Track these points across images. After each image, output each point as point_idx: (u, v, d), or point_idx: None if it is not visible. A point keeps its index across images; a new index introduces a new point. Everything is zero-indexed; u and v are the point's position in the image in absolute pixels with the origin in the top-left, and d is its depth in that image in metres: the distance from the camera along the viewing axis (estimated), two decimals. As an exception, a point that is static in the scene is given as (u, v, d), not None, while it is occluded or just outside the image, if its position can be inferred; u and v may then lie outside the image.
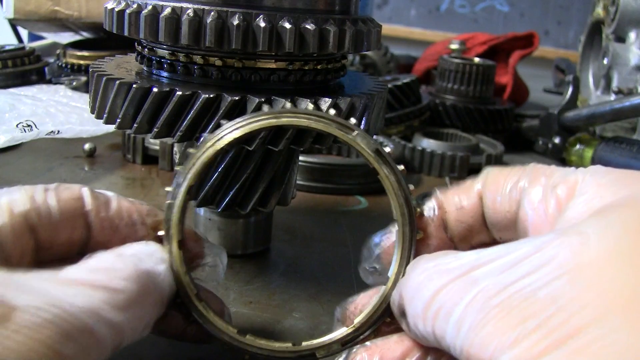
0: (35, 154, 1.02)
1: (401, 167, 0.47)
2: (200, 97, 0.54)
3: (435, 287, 0.37)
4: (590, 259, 0.32)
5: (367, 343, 0.44)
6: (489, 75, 1.31)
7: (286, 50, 0.54)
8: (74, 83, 1.23)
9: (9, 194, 0.43)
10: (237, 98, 0.53)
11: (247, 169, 0.62)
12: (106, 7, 0.59)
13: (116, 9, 0.57)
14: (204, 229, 0.70)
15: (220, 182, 0.63)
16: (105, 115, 0.58)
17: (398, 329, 0.44)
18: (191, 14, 0.53)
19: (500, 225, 0.45)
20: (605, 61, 1.23)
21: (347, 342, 0.46)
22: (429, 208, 0.47)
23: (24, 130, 0.93)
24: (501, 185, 0.44)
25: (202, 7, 0.53)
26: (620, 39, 1.21)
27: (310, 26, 0.54)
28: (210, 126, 0.54)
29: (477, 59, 1.35)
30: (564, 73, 1.91)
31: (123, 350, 0.40)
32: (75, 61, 1.30)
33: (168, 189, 0.47)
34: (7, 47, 1.27)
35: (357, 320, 0.46)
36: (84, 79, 1.24)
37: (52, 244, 0.44)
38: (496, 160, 1.13)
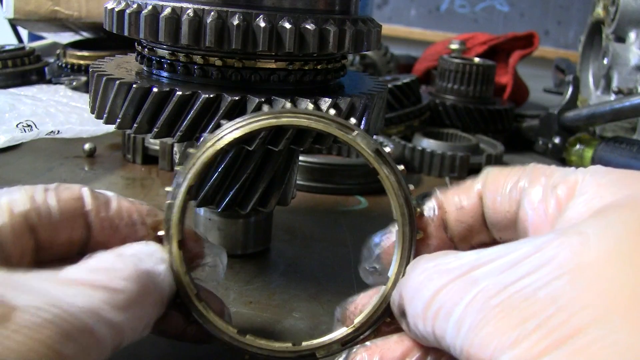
0: (35, 154, 1.02)
1: (401, 167, 0.47)
2: (200, 97, 0.54)
3: (435, 287, 0.37)
4: (591, 259, 0.32)
5: (367, 343, 0.44)
6: (489, 75, 1.31)
7: (286, 50, 0.54)
8: (74, 83, 1.23)
9: (9, 194, 0.43)
10: (237, 98, 0.53)
11: (247, 169, 0.62)
12: (106, 7, 0.59)
13: (116, 9, 0.57)
14: (204, 229, 0.70)
15: (220, 182, 0.63)
16: (105, 115, 0.58)
17: (398, 329, 0.44)
18: (191, 14, 0.53)
19: (500, 225, 0.45)
20: (605, 61, 1.23)
21: (347, 342, 0.46)
22: (429, 208, 0.47)
23: (24, 130, 0.93)
24: (501, 185, 0.45)
25: (202, 7, 0.53)
26: (620, 39, 1.21)
27: (310, 26, 0.54)
28: (210, 126, 0.54)
29: (477, 59, 1.35)
30: (564, 73, 1.91)
31: (123, 350, 0.40)
32: (75, 61, 1.30)
33: (168, 188, 0.47)
34: (7, 47, 1.27)
35: (357, 320, 0.46)
36: (84, 79, 1.24)
37: (52, 244, 0.44)
38: (496, 160, 1.13)
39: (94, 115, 0.60)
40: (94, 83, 0.60)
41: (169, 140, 0.57)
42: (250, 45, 0.54)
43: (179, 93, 0.54)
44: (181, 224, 0.46)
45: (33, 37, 1.76)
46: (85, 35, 1.40)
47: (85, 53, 1.30)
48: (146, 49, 0.61)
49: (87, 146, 1.03)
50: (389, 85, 1.15)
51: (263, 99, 0.53)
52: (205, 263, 0.49)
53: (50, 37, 1.57)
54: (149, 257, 0.43)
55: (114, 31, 0.58)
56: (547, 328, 0.30)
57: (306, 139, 0.55)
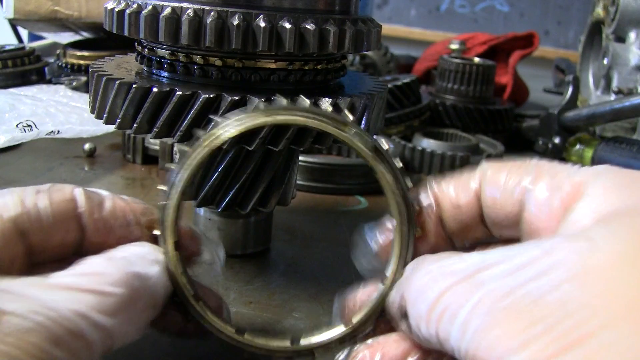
0: (35, 154, 1.02)
1: (399, 164, 0.46)
2: (200, 97, 0.54)
3: (439, 289, 0.36)
4: (600, 265, 0.32)
5: (369, 341, 0.44)
6: (489, 75, 1.31)
7: (286, 50, 0.54)
8: (74, 83, 1.23)
9: None
10: (237, 98, 0.53)
11: (247, 169, 0.62)
12: (106, 7, 0.59)
13: (116, 9, 0.57)
14: (204, 229, 0.70)
15: (220, 182, 0.63)
16: (105, 115, 0.58)
17: None
18: (191, 14, 0.53)
19: (501, 224, 0.45)
20: (605, 61, 1.23)
21: (345, 341, 0.47)
22: (426, 204, 0.46)
23: (24, 130, 0.93)
24: (502, 184, 0.44)
25: (202, 7, 0.53)
26: (620, 39, 1.21)
27: (310, 26, 0.54)
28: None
29: (477, 59, 1.35)
30: (564, 73, 1.90)
31: (123, 350, 0.40)
32: (75, 61, 1.30)
33: (162, 187, 0.46)
34: (7, 47, 1.27)
35: (355, 319, 0.46)
36: (84, 79, 1.24)
37: (44, 248, 0.44)
38: (496, 160, 1.13)
39: (94, 115, 0.60)
40: (94, 83, 0.60)
41: (169, 140, 0.57)
42: (250, 45, 0.54)
43: (179, 93, 0.54)
44: (176, 225, 0.45)
45: (33, 37, 1.76)
46: (85, 35, 1.40)
47: (85, 53, 1.30)
48: (146, 49, 0.61)
49: (87, 146, 1.03)
50: (389, 85, 1.15)
51: (263, 99, 0.53)
52: (203, 260, 0.49)
53: (50, 37, 1.57)
54: (140, 259, 0.42)
55: (114, 31, 0.58)
56: (557, 332, 0.30)
57: (306, 138, 0.55)
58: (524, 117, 1.43)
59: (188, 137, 0.55)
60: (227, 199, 0.64)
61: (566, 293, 0.31)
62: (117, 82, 0.56)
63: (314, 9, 0.57)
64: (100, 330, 0.37)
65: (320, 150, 1.03)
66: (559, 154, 1.20)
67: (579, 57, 1.44)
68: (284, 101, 0.46)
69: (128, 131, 0.62)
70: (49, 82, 1.28)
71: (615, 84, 1.19)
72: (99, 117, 0.59)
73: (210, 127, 0.45)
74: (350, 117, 0.46)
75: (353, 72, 0.73)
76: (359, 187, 0.97)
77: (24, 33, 1.68)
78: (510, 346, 0.31)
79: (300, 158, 0.93)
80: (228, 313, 0.50)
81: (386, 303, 0.45)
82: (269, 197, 0.65)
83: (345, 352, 0.45)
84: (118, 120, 0.57)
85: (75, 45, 1.36)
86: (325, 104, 0.48)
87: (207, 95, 0.54)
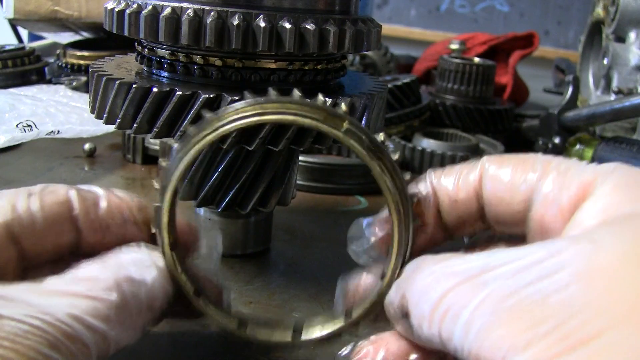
0: (35, 154, 1.02)
1: (395, 156, 0.44)
2: (200, 97, 0.54)
3: (443, 289, 0.36)
4: (605, 267, 0.32)
5: (372, 337, 0.44)
6: (489, 75, 1.31)
7: (286, 50, 0.54)
8: (74, 83, 1.23)
9: None
10: (237, 98, 0.53)
11: (247, 169, 0.62)
12: (106, 7, 0.59)
13: (116, 9, 0.57)
14: (204, 229, 0.70)
15: (220, 182, 0.63)
16: (105, 115, 0.58)
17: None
18: (191, 14, 0.53)
19: (506, 222, 0.44)
20: (605, 61, 1.23)
21: (345, 334, 0.47)
22: (424, 194, 0.45)
23: (24, 130, 0.93)
24: (507, 182, 0.43)
25: (202, 7, 0.53)
26: (620, 39, 1.21)
27: (310, 26, 0.54)
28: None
29: (477, 59, 1.35)
30: (564, 73, 1.90)
31: (123, 351, 0.40)
32: (75, 61, 1.30)
33: (156, 186, 0.45)
34: (7, 47, 1.27)
35: (355, 314, 0.46)
36: (84, 79, 1.24)
37: (38, 251, 0.43)
38: (496, 160, 1.13)
39: (94, 115, 0.60)
40: (94, 83, 0.60)
41: (169, 140, 0.57)
42: (250, 45, 0.54)
43: (179, 93, 0.54)
44: (171, 226, 0.45)
45: (33, 37, 1.76)
46: (85, 35, 1.40)
47: (85, 53, 1.30)
48: (146, 49, 0.61)
49: (87, 146, 1.03)
50: (389, 85, 1.15)
51: (263, 99, 0.53)
52: (202, 254, 0.49)
53: (50, 37, 1.57)
54: (135, 264, 0.42)
55: (114, 31, 0.58)
56: (561, 332, 0.30)
57: (306, 138, 0.55)
58: (524, 117, 1.43)
59: (188, 137, 0.55)
60: (227, 199, 0.64)
61: (570, 294, 0.31)
62: (117, 82, 0.56)
63: (314, 9, 0.57)
64: (96, 334, 0.37)
65: (320, 150, 1.03)
66: (559, 154, 1.20)
67: (579, 57, 1.44)
68: (271, 92, 0.44)
69: (128, 131, 0.62)
70: (49, 82, 1.28)
71: (615, 84, 1.19)
72: (99, 117, 0.59)
73: (201, 124, 0.44)
74: (344, 107, 0.44)
75: (353, 72, 0.73)
76: (359, 187, 0.97)
77: (24, 33, 1.68)
78: (514, 346, 0.31)
79: (300, 158, 0.93)
80: (228, 303, 0.50)
81: (385, 302, 0.44)
82: (269, 197, 0.65)
83: (349, 347, 0.45)
84: (118, 120, 0.57)
85: (75, 45, 1.36)
86: (320, 98, 0.46)
87: (207, 95, 0.54)
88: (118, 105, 0.57)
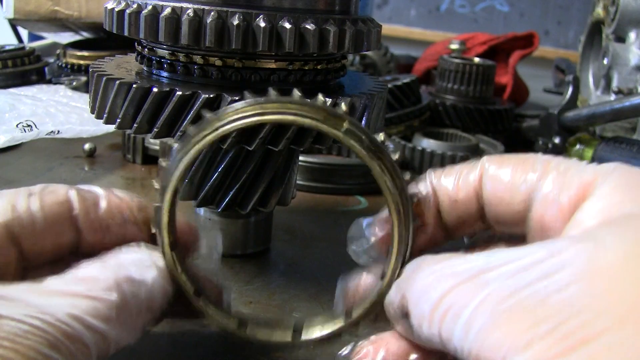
0: (35, 154, 1.02)
1: (395, 156, 0.44)
2: (200, 97, 0.54)
3: (443, 289, 0.36)
4: (606, 267, 0.32)
5: (372, 337, 0.44)
6: (489, 75, 1.31)
7: (286, 50, 0.54)
8: (74, 83, 1.23)
9: None
10: (237, 98, 0.53)
11: (247, 169, 0.62)
12: (106, 7, 0.59)
13: (116, 9, 0.57)
14: (204, 229, 0.70)
15: (220, 182, 0.63)
16: (105, 115, 0.58)
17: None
18: (191, 14, 0.53)
19: (506, 222, 0.44)
20: (605, 61, 1.23)
21: (344, 334, 0.47)
22: (424, 194, 0.45)
23: (24, 130, 0.93)
24: (507, 182, 0.43)
25: (202, 7, 0.53)
26: (620, 39, 1.21)
27: (310, 26, 0.54)
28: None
29: (477, 59, 1.35)
30: (564, 73, 1.90)
31: (123, 351, 0.40)
32: (75, 61, 1.30)
33: (156, 186, 0.45)
34: (7, 47, 1.27)
35: (355, 314, 0.46)
36: (84, 79, 1.24)
37: (38, 252, 0.43)
38: (496, 160, 1.13)
39: (94, 115, 0.60)
40: (94, 83, 0.60)
41: (169, 140, 0.57)
42: (250, 45, 0.54)
43: (179, 93, 0.54)
44: (171, 226, 0.45)
45: (33, 37, 1.76)
46: (85, 35, 1.40)
47: (85, 53, 1.30)
48: (146, 49, 0.61)
49: (87, 146, 1.03)
50: (389, 85, 1.15)
51: (263, 99, 0.53)
52: (202, 253, 0.49)
53: (50, 37, 1.57)
54: (136, 264, 0.42)
55: (114, 31, 0.58)
56: (562, 332, 0.30)
57: (306, 138, 0.55)
58: (524, 117, 1.43)
59: (188, 137, 0.55)
60: (227, 199, 0.64)
61: (571, 294, 0.31)
62: (117, 82, 0.56)
63: (314, 9, 0.57)
64: (96, 334, 0.37)
65: (320, 150, 1.03)
66: (559, 154, 1.20)
67: (579, 57, 1.44)
68: (271, 92, 0.43)
69: (128, 131, 0.62)
70: (49, 82, 1.28)
71: (615, 84, 1.19)
72: (99, 117, 0.59)
73: (201, 124, 0.44)
74: (344, 107, 0.43)
75: (353, 72, 0.73)
76: (359, 187, 0.97)
77: (24, 33, 1.68)
78: (514, 346, 0.31)
79: (300, 158, 0.93)
80: (229, 303, 0.50)
81: (384, 302, 0.44)
82: (269, 197, 0.65)
83: (349, 347, 0.45)
84: (118, 120, 0.57)
85: (75, 45, 1.36)
86: (320, 98, 0.45)
87: (207, 95, 0.54)
88: (118, 105, 0.57)
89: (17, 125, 0.93)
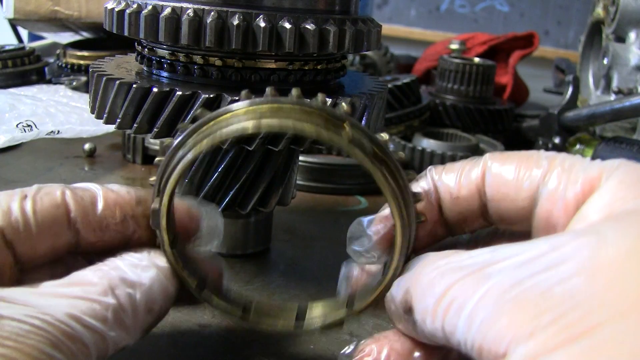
0: (35, 154, 1.02)
1: (399, 156, 0.43)
2: (200, 97, 0.54)
3: (447, 283, 0.36)
4: (609, 259, 0.32)
5: (375, 335, 0.44)
6: (489, 75, 1.31)
7: (286, 50, 0.54)
8: (74, 83, 1.23)
9: None
10: (237, 98, 0.53)
11: (247, 169, 0.62)
12: (106, 7, 0.59)
13: (116, 9, 0.57)
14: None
15: (220, 182, 0.63)
16: (105, 115, 0.58)
17: None
18: (191, 14, 0.53)
19: (510, 219, 0.44)
20: (605, 61, 1.23)
21: (344, 322, 0.48)
22: (425, 191, 0.45)
23: (24, 130, 0.93)
24: (511, 179, 0.43)
25: (202, 7, 0.53)
26: (620, 39, 1.21)
27: (310, 26, 0.54)
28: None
29: (477, 59, 1.35)
30: (564, 73, 1.90)
31: (123, 350, 0.40)
32: (75, 61, 1.30)
33: (152, 180, 0.45)
34: (7, 47, 1.27)
35: (357, 306, 0.47)
36: (84, 79, 1.24)
37: (33, 255, 0.43)
38: (496, 160, 1.13)
39: (94, 115, 0.60)
40: (94, 83, 0.60)
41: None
42: (250, 45, 0.54)
43: (179, 93, 0.54)
44: (170, 226, 0.45)
45: (33, 37, 1.76)
46: (85, 35, 1.40)
47: (85, 53, 1.30)
48: (146, 49, 0.61)
49: (87, 146, 1.03)
50: (389, 85, 1.15)
51: (259, 101, 0.53)
52: (201, 239, 0.48)
53: (50, 37, 1.57)
54: (132, 266, 0.42)
55: (114, 31, 0.58)
56: (564, 322, 0.30)
57: (306, 139, 0.55)
58: (524, 117, 1.43)
59: (188, 137, 0.55)
60: (227, 199, 0.64)
61: (574, 285, 0.31)
62: (117, 82, 0.56)
63: (314, 9, 0.57)
64: (95, 334, 0.37)
65: (320, 150, 1.03)
66: (559, 154, 1.20)
67: (579, 57, 1.44)
68: (268, 92, 0.41)
69: (128, 131, 0.62)
70: (49, 82, 1.28)
71: (615, 84, 1.19)
72: (99, 117, 0.59)
73: (196, 127, 0.43)
74: (344, 106, 0.41)
75: (353, 72, 0.73)
76: (359, 187, 0.97)
77: (24, 33, 1.68)
78: (517, 336, 0.31)
79: (300, 158, 0.93)
80: (228, 288, 0.50)
81: (385, 299, 0.44)
82: (269, 197, 0.65)
83: (352, 346, 0.45)
84: (118, 120, 0.57)
85: (75, 45, 1.36)
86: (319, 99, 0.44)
87: (207, 95, 0.54)
88: (118, 105, 0.57)
89: (17, 125, 0.93)
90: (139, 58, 0.62)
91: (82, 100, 1.13)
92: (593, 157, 1.12)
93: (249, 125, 0.40)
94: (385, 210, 0.46)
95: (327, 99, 0.56)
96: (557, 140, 1.21)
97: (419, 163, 1.09)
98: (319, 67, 0.60)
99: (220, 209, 0.64)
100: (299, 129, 0.40)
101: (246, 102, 0.41)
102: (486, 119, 1.28)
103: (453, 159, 1.07)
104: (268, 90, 0.42)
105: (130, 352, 0.42)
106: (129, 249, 0.45)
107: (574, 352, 0.29)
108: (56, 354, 0.33)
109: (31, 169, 0.96)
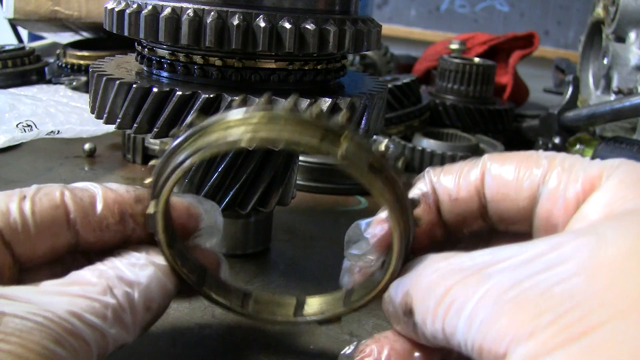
0: (35, 154, 1.02)
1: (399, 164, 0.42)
2: (200, 97, 0.54)
3: (447, 285, 0.36)
4: (609, 259, 0.32)
5: (375, 335, 0.44)
6: (489, 75, 1.31)
7: (286, 50, 0.54)
8: (74, 83, 1.23)
9: None
10: (236, 98, 0.53)
11: (247, 169, 0.62)
12: (106, 7, 0.59)
13: (116, 9, 0.57)
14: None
15: (220, 181, 0.63)
16: (105, 115, 0.58)
17: None
18: (191, 14, 0.53)
19: (510, 219, 0.44)
20: (605, 61, 1.23)
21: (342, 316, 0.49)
22: (423, 193, 0.45)
23: (24, 130, 0.93)
24: (511, 179, 0.43)
25: (202, 7, 0.53)
26: (620, 39, 1.21)
27: (310, 26, 0.54)
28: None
29: (477, 59, 1.35)
30: (564, 73, 1.90)
31: (122, 350, 0.40)
32: (75, 61, 1.30)
33: (147, 181, 0.45)
34: (7, 47, 1.27)
35: (354, 304, 0.47)
36: (84, 79, 1.24)
37: (32, 256, 0.43)
38: (496, 160, 1.13)
39: (94, 115, 0.60)
40: (94, 83, 0.60)
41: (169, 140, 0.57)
42: (250, 45, 0.54)
43: (179, 93, 0.54)
44: (167, 228, 0.45)
45: (33, 37, 1.76)
46: (85, 35, 1.40)
47: (85, 53, 1.30)
48: (146, 49, 0.61)
49: (87, 146, 1.03)
50: (389, 85, 1.15)
51: (252, 109, 0.53)
52: (201, 233, 0.49)
53: (50, 37, 1.57)
54: (130, 265, 0.42)
55: (114, 31, 0.58)
56: (563, 322, 0.30)
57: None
58: (524, 117, 1.43)
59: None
60: (227, 199, 0.64)
61: (574, 285, 0.31)
62: (117, 82, 0.56)
63: (314, 9, 0.57)
64: (96, 331, 0.37)
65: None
66: (559, 154, 1.20)
67: (579, 57, 1.44)
68: (265, 105, 0.39)
69: (128, 131, 0.62)
70: (49, 82, 1.28)
71: (615, 84, 1.19)
72: (99, 117, 0.59)
73: (190, 135, 0.42)
74: (343, 116, 0.40)
75: (353, 72, 0.73)
76: (359, 187, 0.97)
77: (24, 33, 1.68)
78: (517, 336, 0.31)
79: (300, 158, 0.93)
80: (226, 278, 0.50)
81: (383, 301, 0.44)
82: (269, 197, 0.65)
83: (352, 346, 0.45)
84: (118, 120, 0.57)
85: (75, 45, 1.36)
86: (325, 105, 0.44)
87: (207, 95, 0.54)
88: (118, 105, 0.57)
89: (17, 125, 0.93)
90: (139, 58, 0.62)
91: (82, 100, 1.13)
92: (593, 157, 1.12)
93: (243, 138, 0.39)
94: (383, 213, 0.46)
95: (326, 100, 0.56)
96: (557, 140, 1.21)
97: (419, 163, 1.09)
98: (319, 67, 0.60)
99: (220, 209, 0.65)
100: (294, 142, 0.38)
101: (241, 110, 0.40)
102: (486, 119, 1.28)
103: (453, 159, 1.07)
104: (264, 97, 0.40)
105: (130, 351, 0.42)
106: (128, 247, 0.45)
107: (574, 352, 0.29)
108: (59, 349, 0.34)
109: (31, 169, 0.96)
